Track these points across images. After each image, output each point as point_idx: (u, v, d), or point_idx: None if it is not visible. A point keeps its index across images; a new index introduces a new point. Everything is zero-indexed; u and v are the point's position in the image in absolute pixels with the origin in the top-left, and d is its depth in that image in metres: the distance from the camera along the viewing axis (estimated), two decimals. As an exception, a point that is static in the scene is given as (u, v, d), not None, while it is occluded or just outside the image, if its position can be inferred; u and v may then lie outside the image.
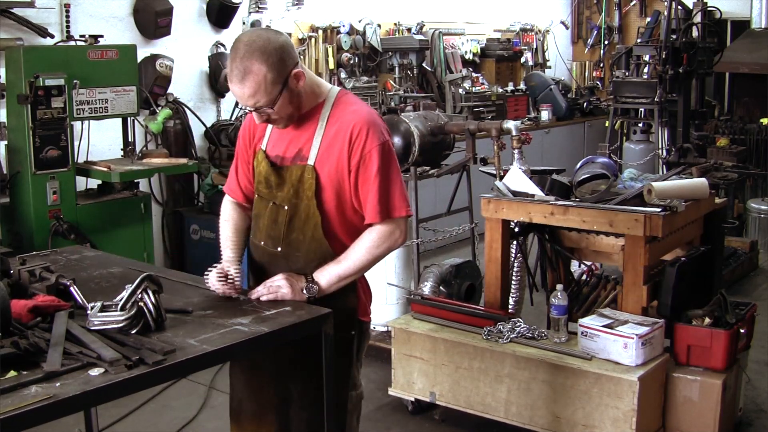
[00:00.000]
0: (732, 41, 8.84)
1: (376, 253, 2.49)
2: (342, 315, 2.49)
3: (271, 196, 2.57)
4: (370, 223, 2.50)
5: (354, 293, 2.60)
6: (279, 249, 2.58)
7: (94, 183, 5.11)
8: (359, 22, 7.28)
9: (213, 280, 2.49)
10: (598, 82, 10.06)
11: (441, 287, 4.50)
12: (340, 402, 2.55)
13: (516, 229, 4.24)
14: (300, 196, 2.49)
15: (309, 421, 2.57)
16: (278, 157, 2.57)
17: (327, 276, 2.48)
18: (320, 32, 7.02)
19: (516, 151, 4.37)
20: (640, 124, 7.32)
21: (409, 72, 7.71)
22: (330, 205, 2.50)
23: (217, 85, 6.24)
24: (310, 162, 2.47)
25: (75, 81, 4.62)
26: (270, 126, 2.58)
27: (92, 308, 2.22)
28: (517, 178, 4.03)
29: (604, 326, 3.52)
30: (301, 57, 6.89)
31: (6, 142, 4.82)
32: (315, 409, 2.49)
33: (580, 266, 4.49)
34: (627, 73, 7.31)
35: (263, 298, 2.44)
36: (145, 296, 2.22)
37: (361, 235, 2.51)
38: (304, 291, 2.45)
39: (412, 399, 4.06)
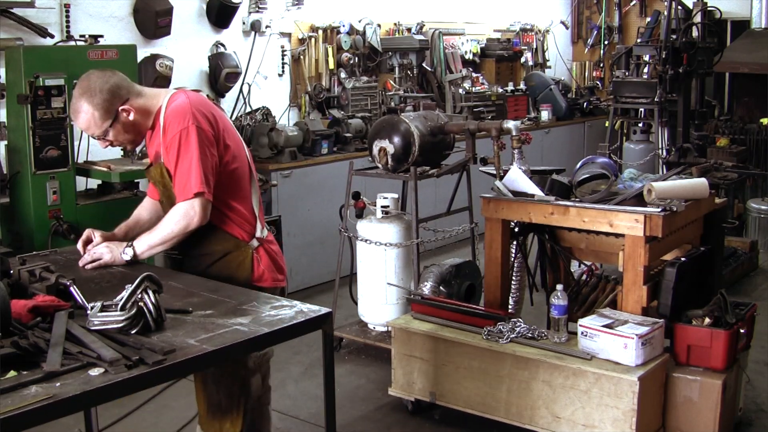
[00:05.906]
0: (732, 41, 8.84)
1: (176, 229, 2.79)
2: (237, 284, 2.78)
3: (160, 191, 2.99)
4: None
5: (244, 265, 2.90)
6: None
7: (94, 183, 5.11)
8: (359, 22, 7.28)
9: (80, 243, 2.95)
10: (598, 82, 10.05)
11: (441, 287, 4.50)
12: (240, 359, 2.86)
13: (516, 229, 4.24)
14: (167, 187, 2.88)
15: (214, 375, 2.89)
16: (151, 159, 3.00)
17: (141, 245, 2.83)
18: (320, 32, 7.01)
19: (516, 151, 4.36)
20: (640, 124, 7.32)
21: (409, 72, 7.70)
22: None
23: (216, 85, 6.24)
24: (163, 160, 2.86)
25: (75, 81, 4.58)
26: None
27: (92, 308, 2.22)
28: (517, 178, 4.03)
29: (604, 326, 3.52)
30: (301, 57, 6.91)
31: (6, 142, 4.82)
32: (220, 366, 2.83)
33: (580, 266, 4.50)
34: (627, 73, 7.30)
35: (88, 267, 2.80)
36: (145, 296, 2.22)
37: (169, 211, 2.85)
38: (123, 254, 2.83)
39: (412, 399, 4.07)
